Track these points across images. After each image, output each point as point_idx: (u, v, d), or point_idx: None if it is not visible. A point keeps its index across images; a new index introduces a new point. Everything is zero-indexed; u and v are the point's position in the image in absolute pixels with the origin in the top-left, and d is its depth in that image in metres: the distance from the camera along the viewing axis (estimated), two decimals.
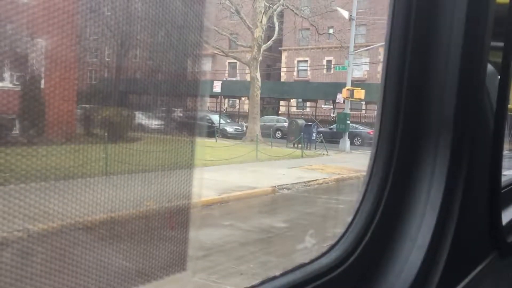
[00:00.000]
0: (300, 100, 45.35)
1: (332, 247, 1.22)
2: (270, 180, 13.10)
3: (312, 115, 41.85)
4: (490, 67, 1.46)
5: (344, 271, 1.17)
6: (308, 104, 45.14)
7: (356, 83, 40.72)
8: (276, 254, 7.10)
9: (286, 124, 33.16)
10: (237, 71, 51.28)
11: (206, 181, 11.17)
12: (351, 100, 23.88)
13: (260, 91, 27.86)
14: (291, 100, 46.27)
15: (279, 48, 51.36)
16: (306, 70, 49.75)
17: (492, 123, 1.55)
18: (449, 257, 1.33)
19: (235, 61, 43.40)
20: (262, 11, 26.55)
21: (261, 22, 26.49)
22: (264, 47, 28.55)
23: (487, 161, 1.56)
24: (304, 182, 13.44)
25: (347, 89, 24.42)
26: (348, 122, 24.61)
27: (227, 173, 13.51)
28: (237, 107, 45.67)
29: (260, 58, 27.85)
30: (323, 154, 22.23)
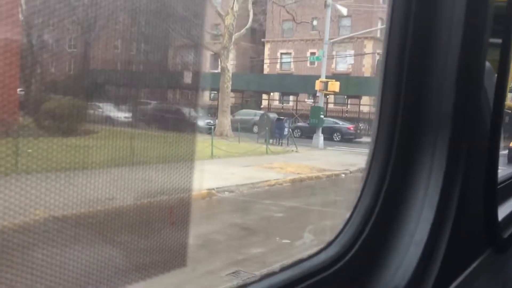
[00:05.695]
0: (278, 93, 43.82)
1: (330, 243, 1.22)
2: (213, 182, 11.46)
3: (293, 109, 40.37)
4: (488, 64, 1.45)
5: (343, 266, 1.17)
6: (291, 97, 43.63)
7: (341, 76, 39.40)
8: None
9: None
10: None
11: (134, 182, 9.55)
12: (335, 94, 22.50)
13: (231, 83, 26.16)
14: (274, 94, 44.75)
15: (262, 39, 49.67)
16: (290, 62, 48.07)
17: (489, 120, 1.56)
18: (447, 252, 1.35)
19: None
20: None
21: (232, 8, 24.78)
22: (236, 35, 26.85)
23: (484, 158, 1.58)
24: (253, 183, 11.84)
25: (320, 81, 22.80)
26: (322, 116, 23.02)
27: (166, 173, 11.85)
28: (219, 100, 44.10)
29: (232, 47, 26.13)
30: (292, 150, 20.66)
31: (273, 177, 13.11)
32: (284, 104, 43.59)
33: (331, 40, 25.19)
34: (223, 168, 13.80)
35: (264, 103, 44.87)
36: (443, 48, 1.29)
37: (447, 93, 1.31)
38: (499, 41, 1.52)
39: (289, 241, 6.64)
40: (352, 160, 18.31)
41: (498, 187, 1.82)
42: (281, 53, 48.91)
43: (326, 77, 24.80)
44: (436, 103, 1.32)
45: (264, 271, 1.09)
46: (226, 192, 10.71)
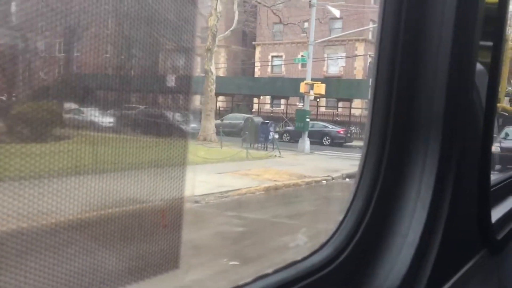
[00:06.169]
0: (269, 97, 43.09)
1: (323, 244, 1.23)
2: (178, 191, 10.62)
3: (283, 113, 39.55)
4: (479, 66, 1.47)
5: (336, 268, 1.18)
6: (282, 101, 42.87)
7: (332, 79, 38.69)
8: None
9: None
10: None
11: (91, 192, 8.70)
12: (326, 97, 21.75)
13: (215, 86, 25.35)
14: (266, 97, 43.97)
15: (253, 42, 48.94)
16: (281, 65, 47.29)
17: (482, 121, 1.57)
18: (439, 254, 1.35)
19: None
20: None
21: (215, 9, 24.00)
22: (220, 37, 26.07)
23: (476, 159, 1.58)
24: (221, 192, 10.98)
25: (305, 84, 21.97)
26: (308, 120, 22.19)
27: (130, 181, 11.00)
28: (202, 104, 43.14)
29: (215, 49, 25.31)
30: (275, 155, 19.82)
31: (246, 185, 12.27)
32: (274, 108, 42.83)
33: (317, 41, 24.39)
34: (195, 175, 12.93)
35: (256, 107, 44.11)
36: (433, 50, 1.30)
37: (439, 95, 1.31)
38: (491, 43, 1.53)
39: (237, 263, 5.81)
40: (337, 166, 17.51)
41: (492, 189, 1.83)
42: (272, 56, 48.13)
43: (318, 80, 24.01)
44: (427, 105, 1.32)
45: None
46: (189, 203, 9.86)
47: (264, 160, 18.09)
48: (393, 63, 1.27)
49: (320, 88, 21.87)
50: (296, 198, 11.94)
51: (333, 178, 14.99)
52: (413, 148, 1.33)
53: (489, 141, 1.61)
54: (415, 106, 1.32)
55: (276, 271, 1.06)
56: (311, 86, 21.82)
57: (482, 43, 1.42)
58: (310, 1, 22.20)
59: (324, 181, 14.56)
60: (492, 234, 1.76)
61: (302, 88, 22.05)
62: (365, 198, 1.28)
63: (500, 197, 2.17)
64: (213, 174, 13.34)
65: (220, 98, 44.98)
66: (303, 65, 44.41)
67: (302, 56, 43.10)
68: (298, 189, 12.57)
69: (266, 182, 13.03)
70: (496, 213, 1.88)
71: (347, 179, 15.39)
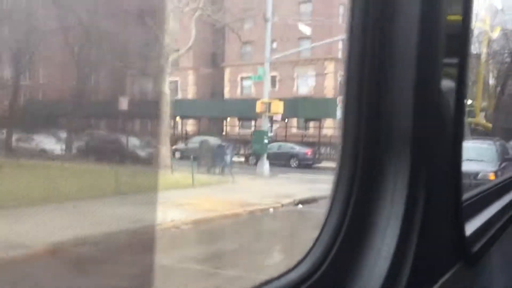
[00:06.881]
0: (238, 119, 41.88)
1: (300, 261, 1.27)
2: (81, 229, 8.86)
3: (250, 135, 38.20)
4: (446, 83, 1.53)
5: (312, 285, 1.21)
6: (253, 123, 41.63)
7: (299, 99, 37.62)
8: None
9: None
10: (178, 88, 47.06)
11: None
12: (295, 118, 20.44)
13: (169, 107, 23.74)
14: (235, 119, 42.66)
15: (222, 64, 47.75)
16: (250, 86, 46.10)
17: (451, 136, 1.63)
18: (414, 267, 1.39)
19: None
20: (170, 15, 22.70)
21: (168, 27, 22.61)
22: (175, 55, 24.66)
23: (446, 174, 1.65)
24: (136, 228, 9.27)
25: (262, 102, 20.51)
26: (266, 141, 20.67)
27: (24, 219, 9.25)
28: (179, 127, 41.70)
29: (169, 69, 23.81)
30: (227, 181, 18.18)
31: (174, 217, 10.58)
32: (241, 130, 41.53)
33: (274, 57, 23.12)
34: (115, 207, 11.21)
35: (226, 129, 42.76)
36: (398, 69, 1.33)
37: (406, 112, 1.34)
38: (456, 60, 1.57)
39: None
40: (293, 190, 15.97)
41: (466, 203, 1.89)
42: (241, 78, 46.92)
43: (287, 100, 22.77)
44: (396, 121, 1.34)
45: None
46: (87, 245, 8.09)
47: (212, 187, 16.44)
48: (360, 83, 1.30)
49: (277, 106, 20.45)
50: (225, 233, 10.27)
51: (282, 205, 13.41)
52: (384, 165, 1.37)
53: (459, 155, 1.67)
54: (384, 124, 1.34)
55: None
56: (268, 105, 20.38)
57: (448, 60, 1.46)
58: (265, 16, 20.95)
59: (271, 209, 12.95)
60: (467, 247, 1.80)
61: (259, 107, 20.59)
62: (339, 214, 1.30)
63: (474, 211, 2.24)
64: (140, 205, 11.61)
65: (191, 121, 43.59)
66: (273, 85, 43.17)
67: (271, 77, 41.97)
68: (235, 221, 10.91)
69: (201, 213, 11.35)
70: (471, 226, 1.93)
71: (300, 206, 13.82)
